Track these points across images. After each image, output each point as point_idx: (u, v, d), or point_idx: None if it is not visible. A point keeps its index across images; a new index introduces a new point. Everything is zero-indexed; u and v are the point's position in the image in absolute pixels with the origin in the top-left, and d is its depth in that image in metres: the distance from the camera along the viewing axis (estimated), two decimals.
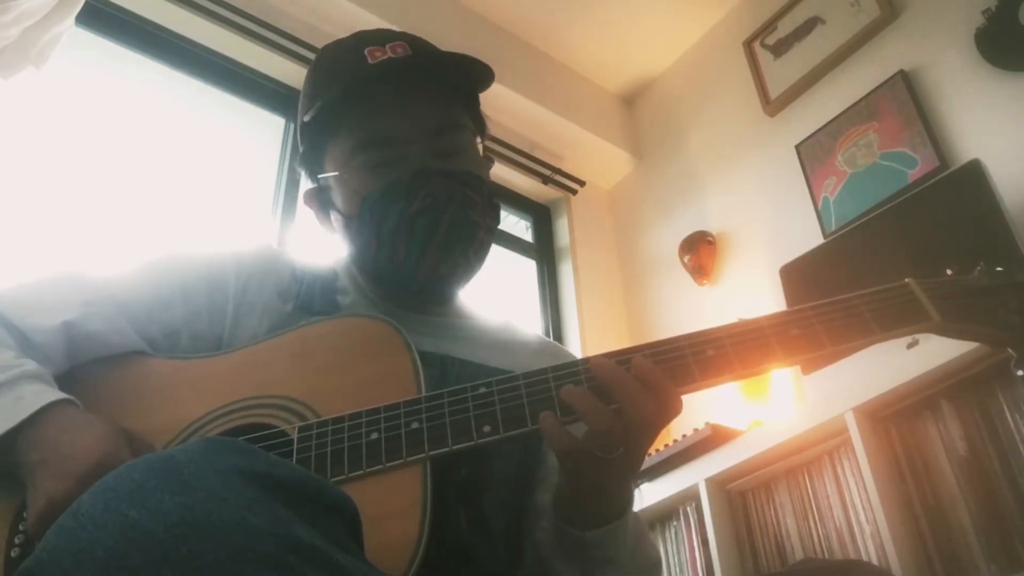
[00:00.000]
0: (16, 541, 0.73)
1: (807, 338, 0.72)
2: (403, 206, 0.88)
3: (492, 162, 1.01)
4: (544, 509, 0.89)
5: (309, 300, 0.92)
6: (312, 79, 1.00)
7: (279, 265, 0.96)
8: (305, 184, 1.01)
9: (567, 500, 0.76)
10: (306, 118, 0.93)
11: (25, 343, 0.80)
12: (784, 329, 0.73)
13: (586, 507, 0.75)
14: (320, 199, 0.98)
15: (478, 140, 0.98)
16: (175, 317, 0.88)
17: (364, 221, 0.90)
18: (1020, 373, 0.73)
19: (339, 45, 1.00)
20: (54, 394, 0.74)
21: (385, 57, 0.91)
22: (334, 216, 0.97)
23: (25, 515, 0.74)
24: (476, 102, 1.01)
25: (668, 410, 0.70)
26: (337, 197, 0.95)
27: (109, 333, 0.84)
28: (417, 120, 0.91)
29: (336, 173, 0.93)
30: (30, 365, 0.76)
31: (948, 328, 0.74)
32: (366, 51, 0.92)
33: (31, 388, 0.74)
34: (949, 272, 0.78)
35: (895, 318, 0.73)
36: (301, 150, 0.99)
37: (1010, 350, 0.75)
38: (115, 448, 0.71)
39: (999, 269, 0.77)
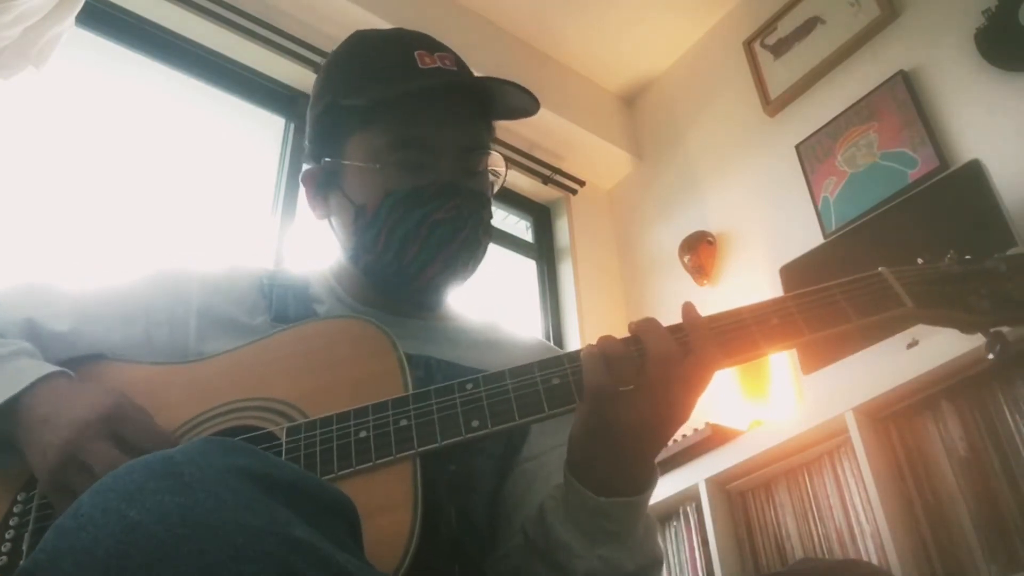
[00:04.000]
0: (2, 549, 0.74)
1: (786, 326, 0.74)
2: (426, 212, 0.90)
3: (506, 170, 1.03)
4: (512, 494, 0.90)
5: (283, 310, 0.92)
6: (349, 63, 0.99)
7: (243, 282, 0.96)
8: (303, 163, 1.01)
9: (578, 449, 0.75)
10: (347, 102, 0.93)
11: None
12: (764, 319, 0.75)
13: (598, 466, 0.74)
14: (323, 180, 0.98)
15: (494, 152, 0.99)
16: (136, 331, 0.90)
17: (380, 216, 0.91)
18: (991, 356, 0.76)
19: (381, 36, 1.01)
20: (52, 367, 0.78)
21: (435, 66, 0.93)
22: (338, 202, 0.96)
23: (19, 499, 0.76)
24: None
25: (695, 357, 0.71)
26: (352, 185, 0.94)
27: (71, 335, 0.87)
28: (454, 135, 0.93)
29: (362, 164, 0.93)
30: (25, 344, 0.81)
31: (921, 314, 0.76)
32: (416, 54, 0.93)
33: (30, 362, 0.78)
34: (920, 260, 0.80)
35: (870, 305, 0.76)
36: (317, 129, 0.98)
37: (981, 334, 0.77)
38: (123, 399, 0.75)
39: (968, 257, 0.80)
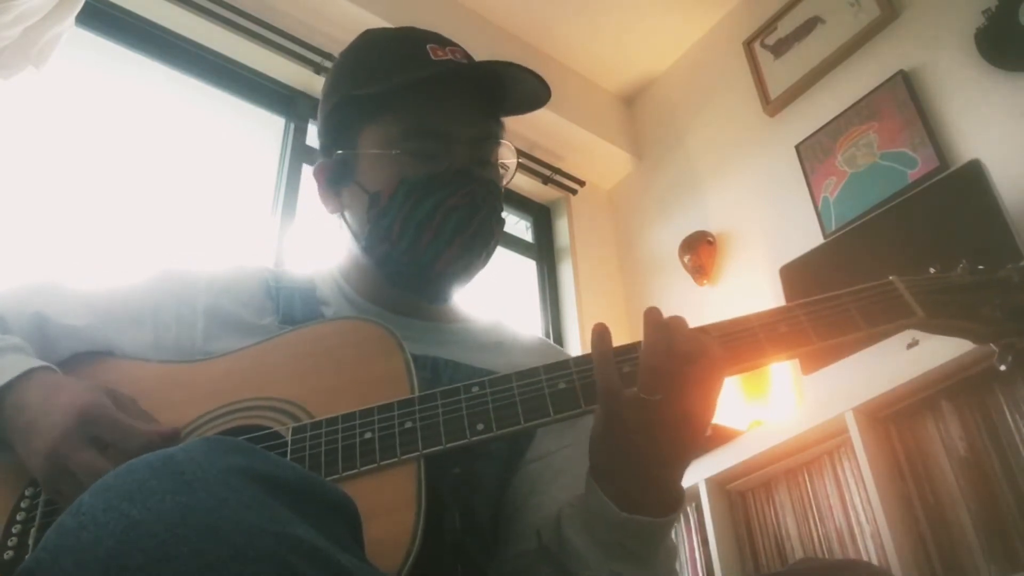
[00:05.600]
0: (9, 543, 0.73)
1: (795, 334, 0.74)
2: (441, 197, 0.90)
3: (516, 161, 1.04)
4: (516, 496, 0.90)
5: (290, 311, 0.92)
6: (361, 57, 1.00)
7: (249, 283, 0.96)
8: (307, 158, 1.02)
9: (598, 453, 0.73)
10: (359, 92, 0.93)
11: (2, 328, 0.84)
12: (773, 326, 0.74)
13: (620, 474, 0.72)
14: (336, 173, 0.98)
15: (505, 142, 1.00)
16: (144, 332, 0.90)
17: (395, 202, 0.91)
18: (1003, 368, 0.75)
19: (392, 33, 1.02)
20: (36, 362, 0.78)
21: (447, 58, 0.94)
22: (352, 192, 0.96)
23: (26, 493, 0.77)
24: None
25: (706, 360, 0.69)
26: (366, 174, 0.94)
27: (82, 329, 0.87)
28: (467, 124, 0.94)
29: (377, 151, 0.93)
30: (13, 339, 0.81)
31: (932, 324, 0.76)
32: (428, 47, 0.94)
33: (13, 358, 0.78)
34: (932, 270, 0.80)
35: (880, 314, 0.75)
36: (329, 124, 0.99)
37: (992, 346, 0.76)
38: (97, 397, 0.75)
39: (980, 267, 0.79)
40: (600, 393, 0.71)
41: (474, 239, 0.92)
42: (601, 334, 0.73)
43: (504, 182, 0.99)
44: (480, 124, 0.95)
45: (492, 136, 0.97)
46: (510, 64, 0.93)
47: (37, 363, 0.78)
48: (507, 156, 0.99)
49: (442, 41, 0.97)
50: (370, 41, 1.02)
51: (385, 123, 0.93)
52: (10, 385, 0.75)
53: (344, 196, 0.97)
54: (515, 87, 0.96)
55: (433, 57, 0.93)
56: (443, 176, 0.90)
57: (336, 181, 0.98)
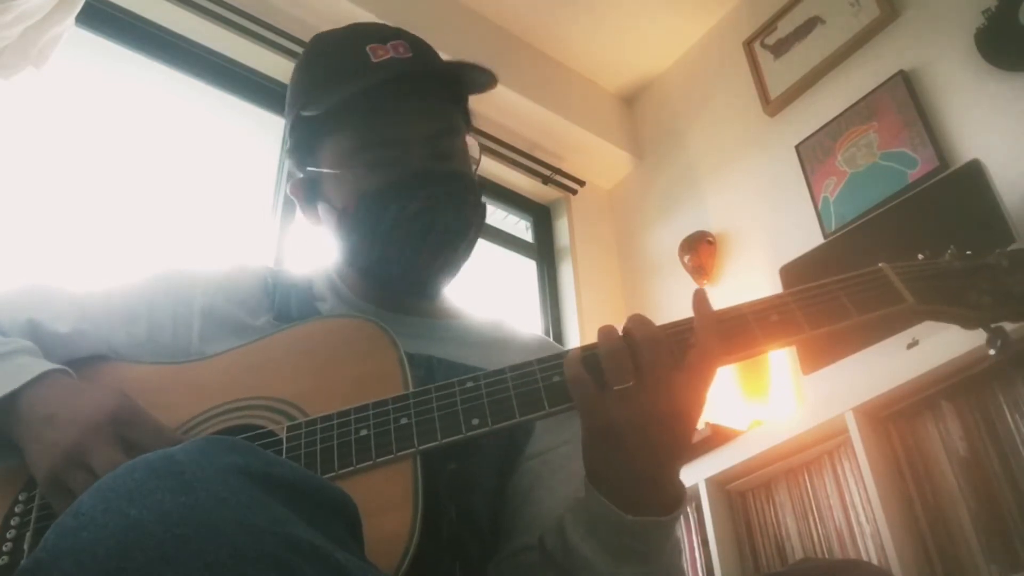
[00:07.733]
0: (4, 548, 0.73)
1: (786, 323, 0.73)
2: (401, 205, 0.89)
3: (480, 155, 1.03)
4: (516, 492, 0.90)
5: (286, 309, 0.92)
6: (308, 71, 1.00)
7: (248, 282, 0.96)
8: (291, 176, 1.03)
9: (591, 458, 0.73)
10: (307, 113, 0.93)
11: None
12: (764, 315, 0.74)
13: (617, 476, 0.71)
14: (308, 191, 0.99)
15: (469, 137, 0.99)
16: (139, 331, 0.90)
17: (360, 217, 0.91)
18: (992, 352, 0.75)
19: (335, 37, 1.01)
20: (52, 364, 0.78)
21: (388, 57, 0.92)
22: (324, 209, 0.97)
23: (20, 499, 0.76)
24: (465, 98, 1.01)
25: (699, 349, 0.70)
26: (332, 192, 0.95)
27: (74, 335, 0.86)
28: (418, 123, 0.93)
29: (335, 170, 0.93)
30: (24, 342, 0.81)
31: (921, 310, 0.75)
32: (368, 48, 0.92)
33: (31, 359, 0.78)
34: (921, 256, 0.80)
35: (871, 301, 0.75)
36: (291, 142, 0.99)
37: (982, 330, 0.76)
38: (128, 400, 0.75)
39: (968, 252, 0.79)
40: (569, 384, 0.71)
41: (446, 236, 0.91)
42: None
43: (473, 168, 0.98)
44: (430, 119, 0.94)
45: (448, 128, 0.95)
46: (451, 64, 0.93)
47: (55, 365, 0.78)
48: (472, 144, 0.97)
49: (384, 36, 0.95)
50: (316, 52, 1.02)
51: (336, 140, 0.93)
52: (28, 385, 0.75)
53: (319, 211, 0.98)
54: (462, 77, 0.96)
55: (374, 59, 0.91)
56: (400, 182, 0.90)
57: (310, 198, 0.99)
